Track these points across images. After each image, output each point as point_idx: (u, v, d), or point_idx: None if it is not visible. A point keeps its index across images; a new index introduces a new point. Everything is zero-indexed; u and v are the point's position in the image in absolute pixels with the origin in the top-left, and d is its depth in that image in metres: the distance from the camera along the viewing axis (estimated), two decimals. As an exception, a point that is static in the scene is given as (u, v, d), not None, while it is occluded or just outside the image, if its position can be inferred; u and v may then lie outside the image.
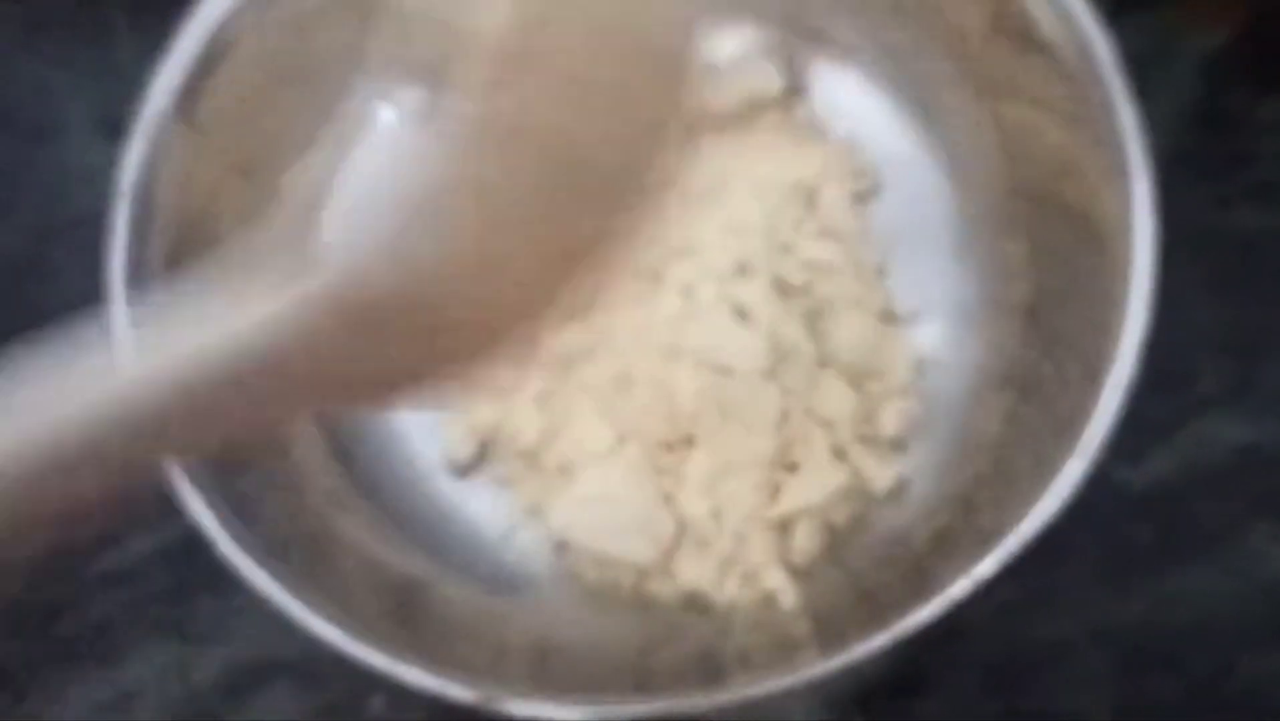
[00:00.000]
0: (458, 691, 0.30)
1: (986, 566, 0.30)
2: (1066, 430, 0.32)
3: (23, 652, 0.40)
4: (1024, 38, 0.36)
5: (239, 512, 0.33)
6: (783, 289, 0.38)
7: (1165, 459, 0.40)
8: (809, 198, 0.41)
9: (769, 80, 0.42)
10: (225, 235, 0.37)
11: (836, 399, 0.37)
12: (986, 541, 0.32)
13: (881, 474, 0.38)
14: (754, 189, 0.40)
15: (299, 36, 0.38)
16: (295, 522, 0.35)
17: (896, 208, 0.41)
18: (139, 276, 0.34)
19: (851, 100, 0.43)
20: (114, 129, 0.46)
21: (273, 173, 0.39)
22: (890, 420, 0.38)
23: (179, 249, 0.36)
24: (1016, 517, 0.31)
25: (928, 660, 0.38)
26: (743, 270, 0.38)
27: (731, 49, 0.42)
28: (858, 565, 0.37)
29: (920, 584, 0.34)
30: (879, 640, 0.30)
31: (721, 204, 0.39)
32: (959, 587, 0.31)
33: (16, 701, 0.40)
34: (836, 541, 0.38)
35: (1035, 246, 0.38)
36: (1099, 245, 0.34)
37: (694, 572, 0.37)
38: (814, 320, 0.38)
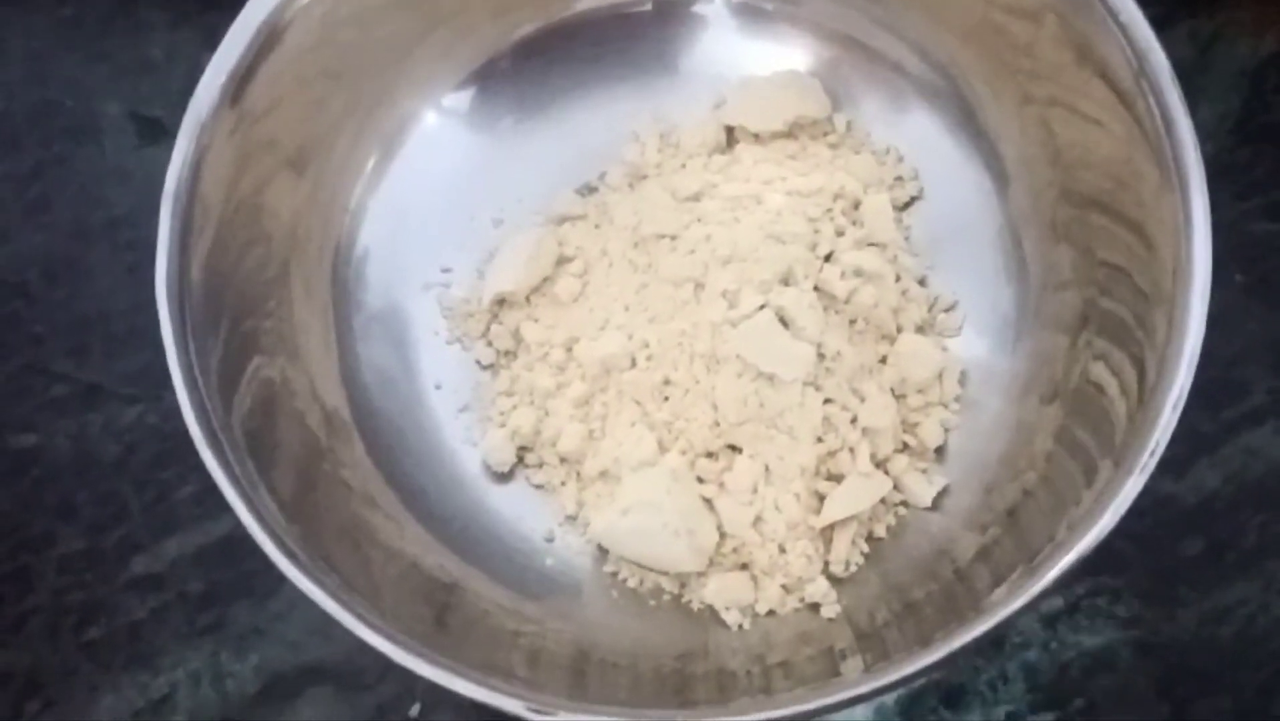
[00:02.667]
0: (507, 702, 0.29)
1: (1038, 586, 0.30)
2: (1118, 445, 0.32)
3: (54, 658, 0.40)
4: (1080, 51, 0.35)
5: (283, 517, 0.32)
6: (826, 297, 0.38)
7: (1213, 472, 0.39)
8: (851, 206, 0.40)
9: (819, 105, 0.41)
10: (273, 233, 0.37)
11: (879, 409, 0.37)
12: (1033, 556, 0.32)
13: (924, 484, 0.37)
14: (796, 197, 0.39)
15: (355, 28, 0.38)
16: (337, 527, 0.35)
17: (939, 217, 0.41)
18: (183, 277, 0.34)
19: (893, 109, 0.42)
20: (150, 127, 0.46)
21: (324, 169, 0.39)
22: (933, 431, 0.38)
23: (224, 245, 0.35)
24: (1067, 534, 0.31)
25: (972, 669, 0.38)
26: (785, 279, 0.37)
27: (777, 64, 0.42)
28: (900, 576, 0.36)
29: (964, 596, 0.34)
30: (926, 659, 0.30)
31: (764, 212, 0.39)
32: (1008, 607, 0.30)
33: (46, 707, 0.39)
34: (878, 552, 0.37)
35: (1084, 257, 0.37)
36: (1151, 257, 0.34)
37: (736, 581, 0.36)
38: (857, 329, 0.38)
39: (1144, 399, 0.32)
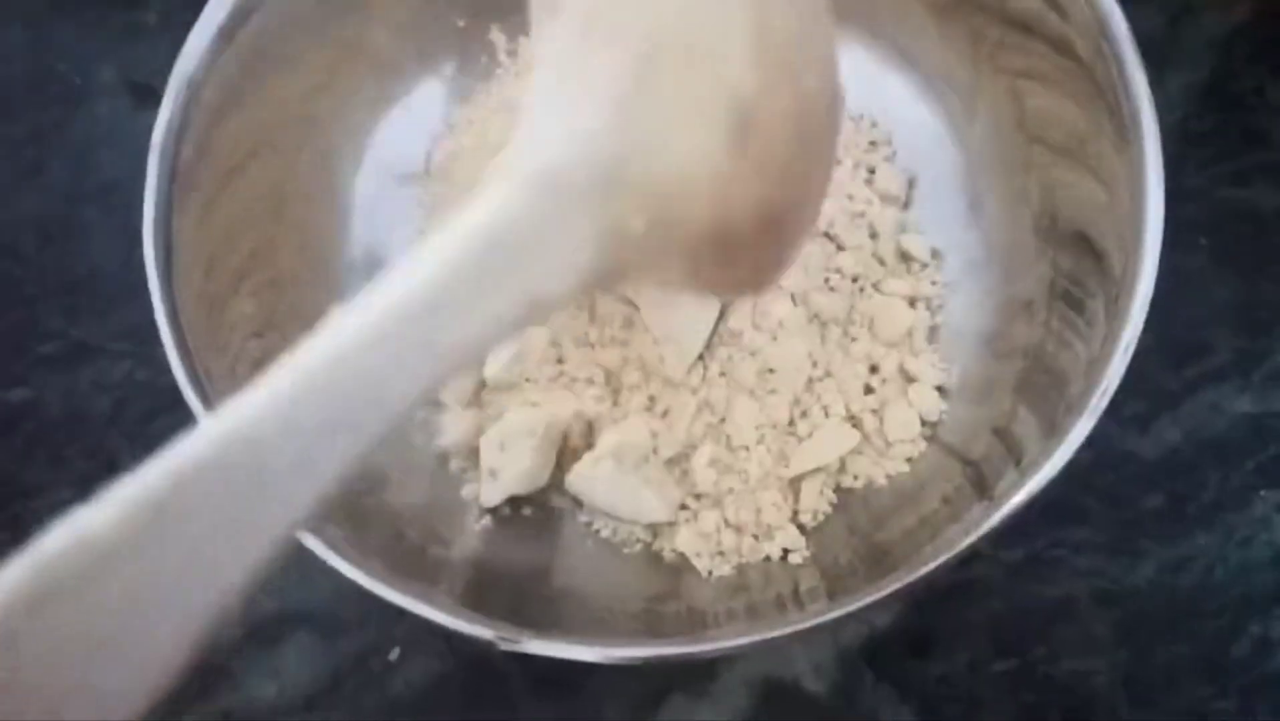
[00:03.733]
0: (477, 630, 0.30)
1: (990, 522, 0.31)
2: (1075, 394, 0.33)
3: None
4: (1040, 18, 0.36)
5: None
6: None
7: (1175, 428, 0.40)
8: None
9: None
10: (262, 187, 0.38)
11: (858, 367, 0.38)
12: (995, 502, 0.33)
13: (894, 436, 0.38)
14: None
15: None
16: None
17: (907, 174, 0.42)
18: (169, 230, 0.35)
19: (860, 76, 0.43)
20: (144, 93, 0.47)
21: (323, 120, 0.40)
22: (915, 392, 0.39)
23: (212, 200, 0.36)
24: (1019, 476, 0.32)
25: (937, 619, 0.39)
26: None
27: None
28: (866, 524, 0.37)
29: (925, 537, 0.35)
30: (883, 590, 0.31)
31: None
32: (962, 543, 0.31)
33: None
34: (845, 502, 0.38)
35: (1046, 215, 0.38)
36: (1110, 208, 0.35)
37: (706, 530, 0.37)
38: (830, 285, 0.39)
39: (1101, 352, 0.33)
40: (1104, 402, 0.31)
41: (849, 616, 0.31)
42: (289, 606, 0.40)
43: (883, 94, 0.43)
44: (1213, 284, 0.43)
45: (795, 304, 0.38)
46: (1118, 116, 0.34)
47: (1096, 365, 0.32)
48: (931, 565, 0.31)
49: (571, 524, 0.39)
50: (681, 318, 0.37)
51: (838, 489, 0.38)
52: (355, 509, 0.35)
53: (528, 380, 0.39)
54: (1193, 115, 0.45)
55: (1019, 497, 0.31)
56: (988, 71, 0.40)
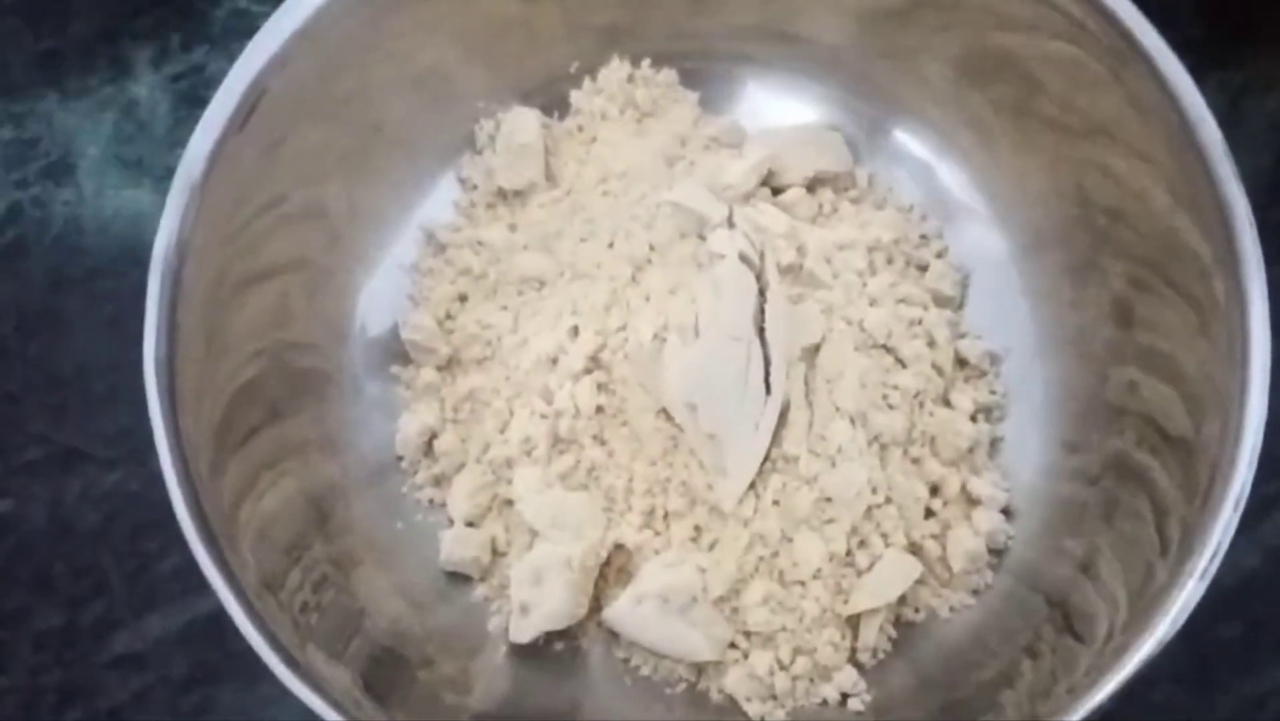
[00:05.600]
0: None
1: (1095, 698, 0.28)
2: (1174, 543, 0.30)
3: (31, 739, 0.37)
4: (1125, 110, 0.34)
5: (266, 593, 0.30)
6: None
7: (1255, 549, 0.38)
8: (885, 261, 0.39)
9: (840, 159, 0.40)
10: (264, 302, 0.35)
11: (919, 490, 0.35)
12: (1087, 658, 0.30)
13: (959, 566, 0.35)
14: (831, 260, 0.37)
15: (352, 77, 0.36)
16: (325, 604, 0.33)
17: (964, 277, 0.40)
18: (172, 349, 0.32)
19: (914, 166, 0.41)
20: (131, 169, 0.44)
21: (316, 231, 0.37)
22: (979, 517, 0.36)
23: (214, 318, 0.33)
24: (1124, 636, 0.29)
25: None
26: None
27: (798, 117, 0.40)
28: (936, 671, 0.34)
29: (1008, 700, 0.32)
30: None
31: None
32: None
33: (19, 791, 0.37)
34: (907, 636, 0.36)
35: (1123, 331, 0.36)
36: (1201, 335, 0.32)
37: (757, 670, 0.34)
38: (891, 403, 0.36)
39: (1201, 494, 0.30)
40: (1215, 565, 0.28)
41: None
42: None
43: (931, 184, 0.40)
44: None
45: (854, 426, 0.35)
46: (1210, 232, 0.32)
47: (1205, 518, 0.29)
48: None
49: (606, 660, 0.36)
50: (732, 442, 0.34)
51: (897, 621, 0.36)
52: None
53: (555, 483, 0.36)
54: (1258, 205, 0.42)
55: (1137, 657, 0.28)
56: (1042, 154, 0.38)
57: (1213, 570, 0.28)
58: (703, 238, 0.35)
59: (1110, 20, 0.33)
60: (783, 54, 0.40)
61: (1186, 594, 0.28)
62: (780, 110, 0.41)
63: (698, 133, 0.40)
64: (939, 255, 0.40)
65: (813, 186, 0.40)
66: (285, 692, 0.37)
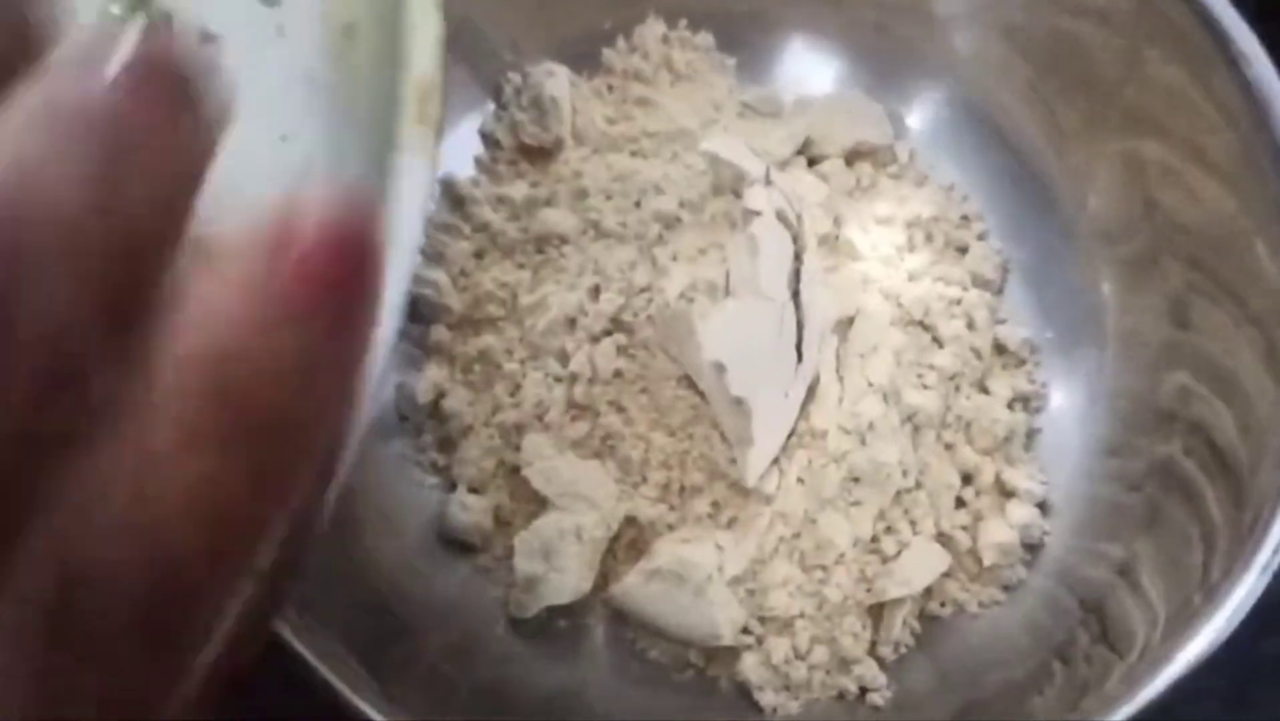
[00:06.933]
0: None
1: (1134, 703, 0.26)
2: (1216, 562, 0.28)
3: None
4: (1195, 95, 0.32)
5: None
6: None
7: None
8: (925, 239, 0.37)
9: (881, 132, 0.38)
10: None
11: (951, 477, 0.33)
12: (1111, 665, 0.28)
13: (990, 559, 0.33)
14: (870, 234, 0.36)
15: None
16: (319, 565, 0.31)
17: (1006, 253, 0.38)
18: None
19: (957, 143, 0.39)
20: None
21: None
22: (1013, 510, 0.34)
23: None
24: (1162, 645, 0.27)
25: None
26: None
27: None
28: (957, 668, 0.32)
29: (1036, 700, 0.30)
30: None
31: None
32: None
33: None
34: (931, 631, 0.33)
35: (1174, 323, 0.34)
36: (1257, 335, 0.30)
37: (773, 657, 0.32)
38: (926, 383, 0.34)
39: (1248, 524, 0.28)
40: (1260, 585, 0.26)
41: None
42: None
43: (972, 159, 0.39)
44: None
45: (886, 403, 0.33)
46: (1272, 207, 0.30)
47: (1250, 501, 0.28)
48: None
49: (612, 641, 0.34)
50: (759, 410, 0.32)
51: (921, 615, 0.33)
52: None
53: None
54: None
55: (1169, 672, 0.26)
56: (1104, 141, 0.36)
57: (1259, 590, 0.26)
58: (738, 195, 0.33)
59: (1204, 19, 0.32)
60: (829, 19, 0.39)
61: (1227, 613, 0.26)
62: (821, 79, 0.39)
63: (733, 99, 0.39)
64: (980, 237, 0.38)
65: (851, 159, 0.38)
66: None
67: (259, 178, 0.14)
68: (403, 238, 0.15)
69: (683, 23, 0.39)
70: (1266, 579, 0.26)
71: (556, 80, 0.38)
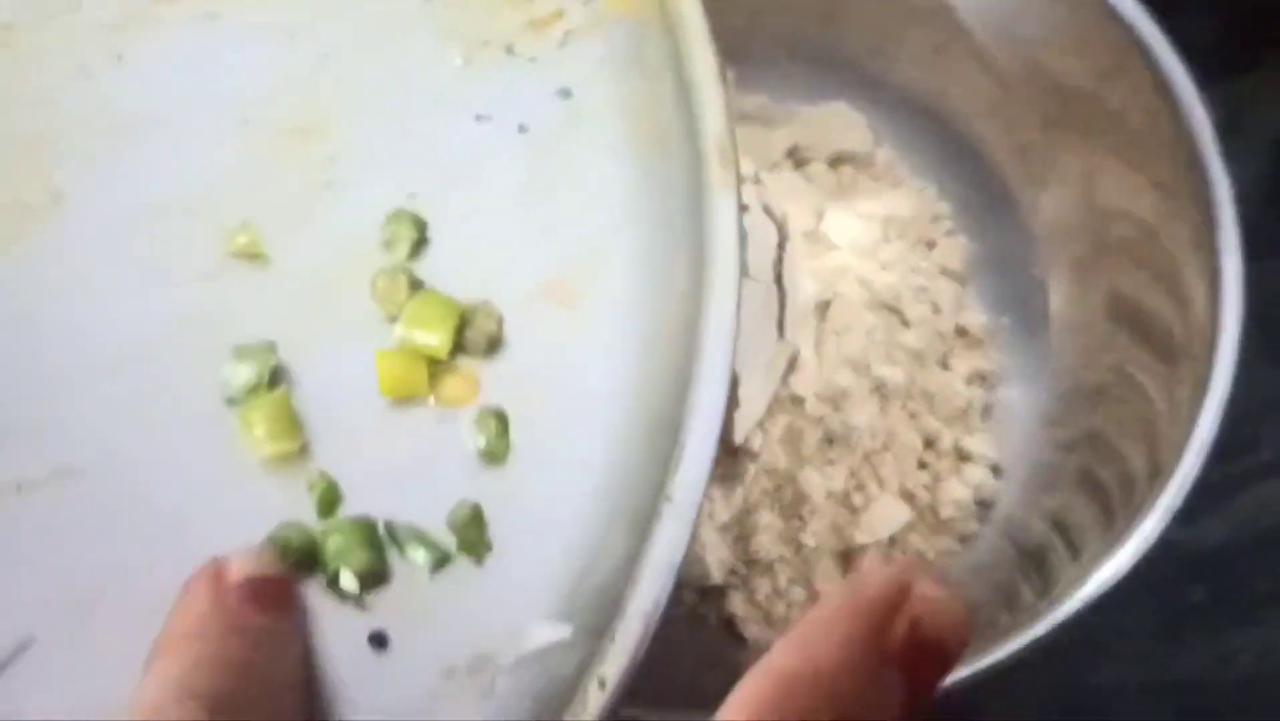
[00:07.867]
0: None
1: (1042, 626, 0.31)
2: (1140, 491, 0.33)
3: None
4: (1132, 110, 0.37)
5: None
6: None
7: (1222, 522, 0.40)
8: (899, 236, 0.41)
9: (862, 140, 0.43)
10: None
11: (915, 441, 0.38)
12: (1054, 599, 0.33)
13: (947, 513, 0.38)
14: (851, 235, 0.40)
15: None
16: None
17: (966, 257, 0.42)
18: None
19: (925, 147, 0.44)
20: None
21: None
22: (969, 471, 0.39)
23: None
24: (1082, 573, 0.32)
25: (983, 696, 0.38)
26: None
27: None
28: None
29: (980, 627, 0.34)
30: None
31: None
32: (1020, 639, 0.31)
33: None
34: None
35: (1110, 302, 0.38)
36: (1181, 310, 0.35)
37: (756, 597, 0.37)
38: (895, 359, 0.39)
39: (1166, 449, 0.33)
40: (1176, 503, 0.31)
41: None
42: None
43: (943, 166, 0.43)
44: (1261, 377, 0.43)
45: (858, 375, 0.38)
46: (1197, 211, 0.35)
47: (1164, 465, 0.32)
48: (981, 664, 0.30)
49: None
50: (745, 379, 0.37)
51: (889, 562, 0.38)
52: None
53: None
54: (1247, 209, 0.45)
55: (1081, 594, 0.31)
56: (1058, 151, 0.40)
57: (1160, 528, 0.31)
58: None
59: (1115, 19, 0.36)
60: (819, 38, 0.43)
61: (1138, 541, 0.31)
62: (810, 91, 0.44)
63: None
64: (948, 234, 0.43)
65: (834, 163, 0.43)
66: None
67: None
68: None
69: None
70: (1167, 519, 0.31)
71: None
